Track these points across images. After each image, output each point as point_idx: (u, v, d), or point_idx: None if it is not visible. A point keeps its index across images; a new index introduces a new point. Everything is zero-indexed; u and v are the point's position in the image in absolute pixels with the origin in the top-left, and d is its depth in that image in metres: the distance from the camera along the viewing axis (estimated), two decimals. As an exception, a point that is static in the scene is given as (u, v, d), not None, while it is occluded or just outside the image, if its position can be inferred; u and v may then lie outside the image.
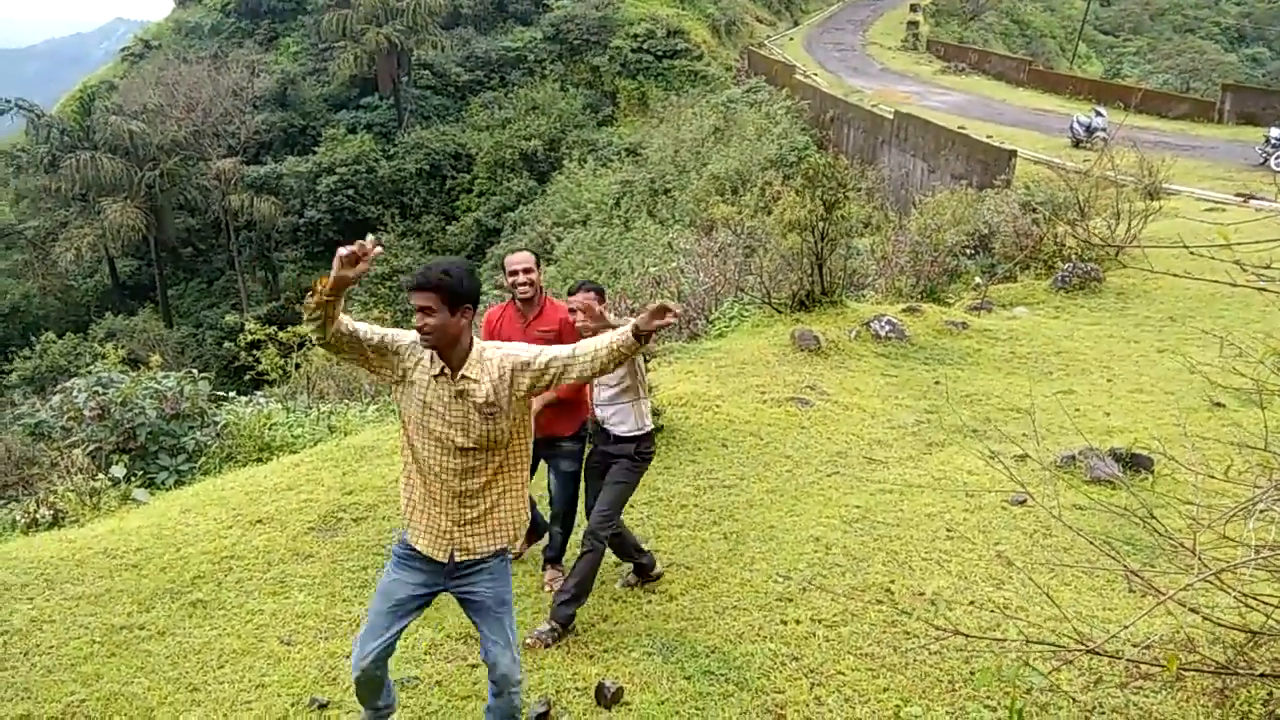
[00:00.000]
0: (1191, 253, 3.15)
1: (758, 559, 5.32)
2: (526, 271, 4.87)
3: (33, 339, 29.67)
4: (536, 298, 4.93)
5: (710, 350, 9.73)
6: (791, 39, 50.14)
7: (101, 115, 35.96)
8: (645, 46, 44.78)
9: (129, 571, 5.38)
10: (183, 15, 53.22)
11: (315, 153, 41.10)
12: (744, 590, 4.97)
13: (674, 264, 13.09)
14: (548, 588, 5.06)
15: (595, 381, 4.67)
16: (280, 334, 14.20)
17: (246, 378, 15.70)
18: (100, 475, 7.11)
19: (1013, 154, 20.99)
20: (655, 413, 7.28)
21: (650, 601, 4.91)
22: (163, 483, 7.56)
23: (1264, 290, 3.38)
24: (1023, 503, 5.85)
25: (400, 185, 41.08)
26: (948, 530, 5.60)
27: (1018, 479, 4.52)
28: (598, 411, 4.78)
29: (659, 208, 30.32)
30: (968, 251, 14.10)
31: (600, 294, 4.84)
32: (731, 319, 11.01)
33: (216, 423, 8.31)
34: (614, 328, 3.44)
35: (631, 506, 6.11)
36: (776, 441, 7.21)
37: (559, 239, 30.68)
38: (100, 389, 8.23)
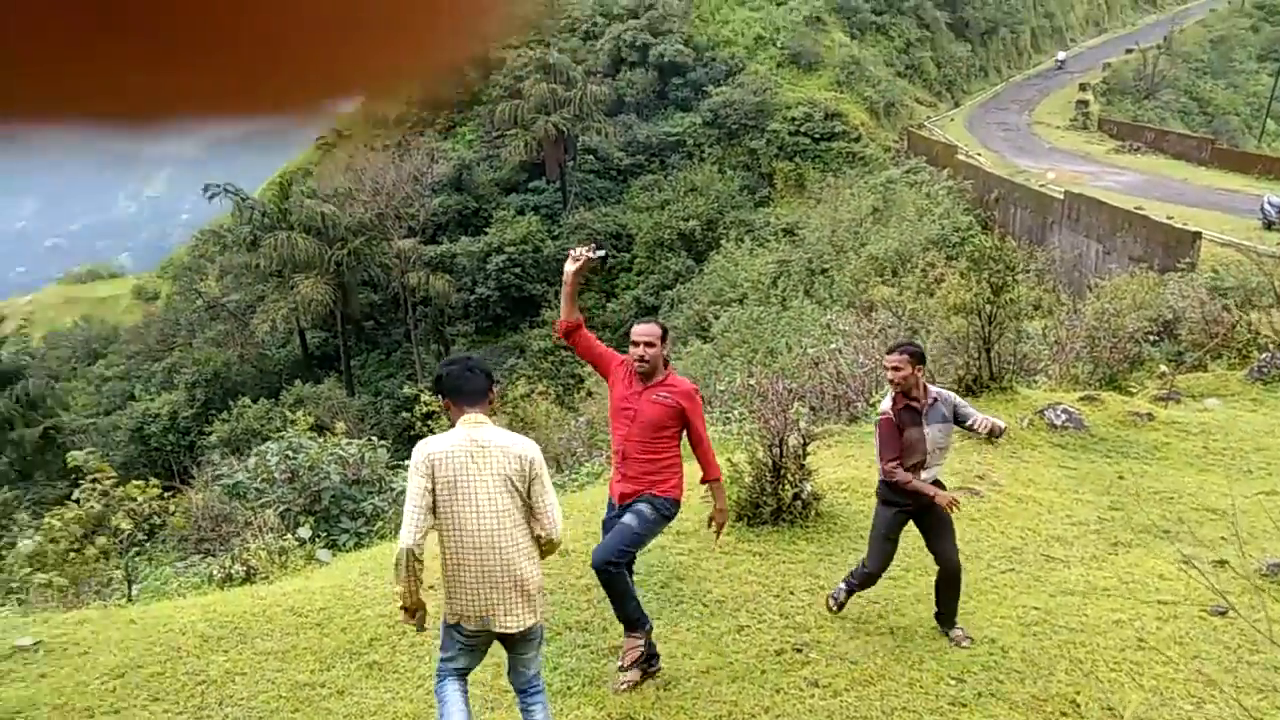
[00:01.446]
0: None
1: (926, 658, 5.10)
2: (649, 345, 4.67)
3: (231, 403, 32.25)
4: (656, 372, 4.75)
5: (870, 434, 9.47)
6: (952, 119, 49.48)
7: (298, 198, 39.34)
8: (803, 129, 45.16)
9: (313, 630, 5.69)
10: (371, 106, 57.80)
11: (486, 233, 43.27)
12: (912, 691, 4.76)
13: (832, 345, 12.97)
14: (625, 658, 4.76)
15: (930, 451, 5.05)
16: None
17: (419, 446, 16.42)
18: (288, 535, 7.59)
19: (1197, 235, 19.83)
20: (816, 497, 7.20)
21: (814, 695, 4.78)
22: (343, 544, 8.00)
23: None
24: (1224, 614, 5.38)
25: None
26: (1139, 640, 5.21)
27: (1217, 588, 4.18)
28: (923, 475, 5.07)
29: (816, 288, 30.18)
30: (1151, 338, 13.31)
31: (916, 357, 4.97)
32: (893, 403, 10.74)
33: (393, 489, 8.75)
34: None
35: (792, 594, 6.01)
36: (944, 533, 6.93)
37: (716, 317, 30.94)
38: (291, 453, 8.85)
